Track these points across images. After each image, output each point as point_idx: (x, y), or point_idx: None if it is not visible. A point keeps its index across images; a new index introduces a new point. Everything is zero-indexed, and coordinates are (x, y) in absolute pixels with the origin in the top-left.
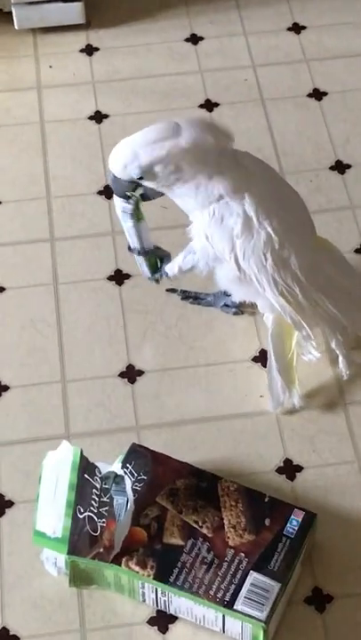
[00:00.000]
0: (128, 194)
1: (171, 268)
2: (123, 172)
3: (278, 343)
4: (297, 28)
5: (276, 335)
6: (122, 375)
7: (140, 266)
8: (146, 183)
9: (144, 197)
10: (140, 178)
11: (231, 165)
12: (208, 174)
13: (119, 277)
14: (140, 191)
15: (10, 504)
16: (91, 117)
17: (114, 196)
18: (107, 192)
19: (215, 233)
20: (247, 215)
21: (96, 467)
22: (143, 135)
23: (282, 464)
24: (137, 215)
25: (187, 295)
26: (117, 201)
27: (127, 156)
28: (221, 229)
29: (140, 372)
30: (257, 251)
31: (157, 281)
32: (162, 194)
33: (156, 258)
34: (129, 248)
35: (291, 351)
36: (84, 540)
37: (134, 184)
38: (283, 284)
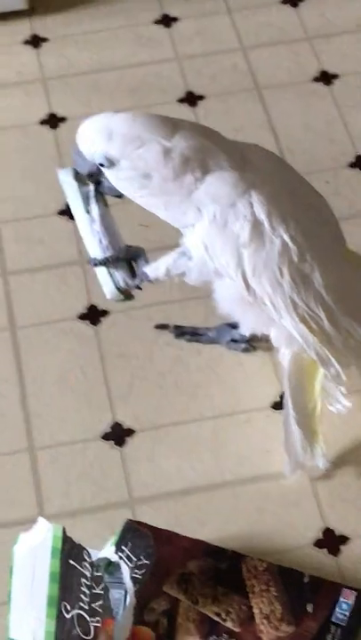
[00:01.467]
0: (88, 172)
1: (154, 270)
2: (87, 149)
3: (298, 388)
4: (293, 1)
5: (294, 377)
6: (106, 437)
7: (107, 281)
8: (106, 174)
9: (98, 187)
10: (102, 165)
11: (232, 163)
12: (185, 195)
13: (94, 315)
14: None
15: None
16: (43, 122)
17: (64, 176)
18: (69, 212)
19: (217, 242)
20: (257, 219)
21: (84, 549)
22: (130, 119)
23: (321, 535)
24: (103, 200)
25: (182, 331)
26: (74, 187)
27: (100, 133)
28: (224, 237)
29: (130, 432)
30: (270, 264)
31: (130, 296)
32: (120, 195)
33: (130, 261)
34: (94, 262)
35: (314, 398)
36: None
37: (96, 168)
38: (304, 308)
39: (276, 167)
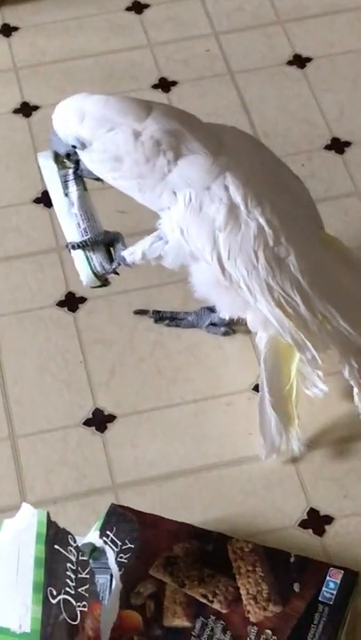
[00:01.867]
0: (65, 152)
1: (131, 254)
2: (61, 130)
3: (274, 371)
4: None
5: (270, 360)
6: (87, 423)
7: (83, 266)
8: (80, 156)
9: (77, 170)
10: (74, 146)
11: (207, 146)
12: (158, 179)
13: (72, 302)
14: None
15: None
16: (16, 111)
17: (44, 160)
18: (45, 199)
19: (192, 225)
20: (233, 202)
21: (69, 533)
22: (102, 101)
23: (306, 516)
24: (83, 184)
25: (161, 316)
26: (53, 170)
27: (73, 114)
28: (200, 220)
29: (111, 417)
30: (246, 247)
31: (106, 282)
32: (98, 178)
33: (108, 245)
34: (72, 246)
35: (290, 382)
36: (60, 633)
37: (72, 149)
38: (280, 292)
39: (252, 149)
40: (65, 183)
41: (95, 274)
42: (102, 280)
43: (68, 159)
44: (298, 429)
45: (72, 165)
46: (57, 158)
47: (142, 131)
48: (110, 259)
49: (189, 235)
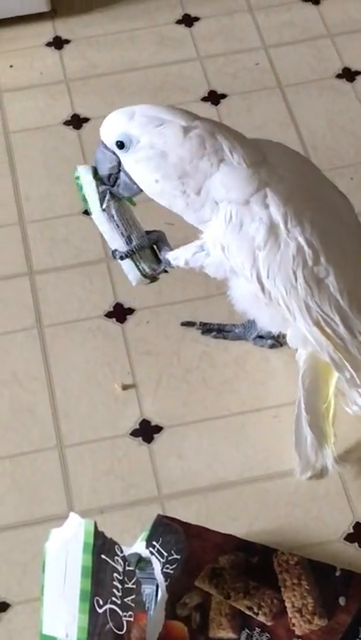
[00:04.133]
0: (111, 170)
1: (175, 259)
2: (108, 131)
3: (311, 388)
4: None
5: (308, 378)
6: (135, 433)
7: (132, 270)
8: (123, 159)
9: (115, 188)
10: (121, 146)
11: (249, 157)
12: (200, 180)
13: (120, 313)
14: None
15: (4, 607)
16: (67, 122)
17: (84, 173)
18: None
19: (233, 243)
20: (272, 221)
21: (116, 543)
22: (152, 105)
23: (351, 530)
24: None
25: (208, 328)
26: (91, 185)
27: (122, 114)
28: (240, 239)
29: (158, 428)
30: (285, 267)
31: (154, 278)
32: (138, 190)
33: (152, 247)
34: (120, 256)
35: (327, 400)
36: None
37: (116, 161)
38: (318, 311)
39: (297, 166)
40: (102, 198)
41: (144, 275)
42: (151, 278)
43: (107, 180)
44: (333, 448)
45: (110, 184)
46: (95, 174)
47: (190, 128)
48: (157, 259)
49: (230, 252)
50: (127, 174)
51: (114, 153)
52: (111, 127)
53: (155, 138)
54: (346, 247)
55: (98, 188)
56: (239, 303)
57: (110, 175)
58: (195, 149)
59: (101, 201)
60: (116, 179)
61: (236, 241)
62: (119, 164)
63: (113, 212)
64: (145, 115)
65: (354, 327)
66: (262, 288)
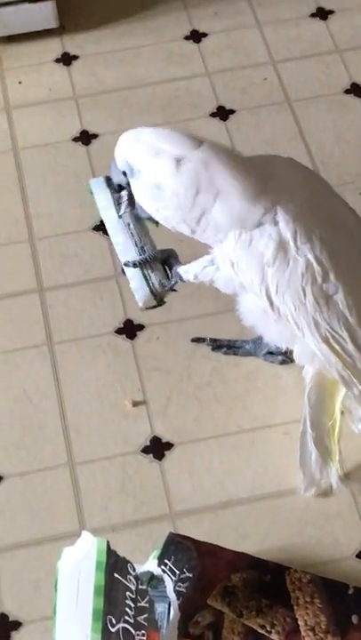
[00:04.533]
0: (120, 182)
1: (186, 272)
2: (117, 155)
3: (317, 405)
4: (322, 14)
5: (314, 395)
6: (145, 450)
7: (141, 286)
8: (131, 184)
9: (132, 203)
10: (124, 173)
11: (251, 184)
12: (201, 208)
13: (130, 329)
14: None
15: (16, 625)
16: (76, 139)
17: (96, 185)
18: (104, 227)
19: (242, 259)
20: (282, 238)
21: (128, 562)
22: (155, 131)
23: None
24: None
25: (219, 344)
26: (106, 194)
27: (129, 140)
28: (249, 255)
29: (169, 445)
30: (294, 283)
31: (162, 301)
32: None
33: (164, 262)
34: (133, 264)
35: (333, 417)
36: None
37: (126, 181)
38: (327, 328)
39: (306, 182)
40: (119, 205)
41: (153, 292)
42: (158, 300)
43: (122, 190)
44: (338, 465)
45: (126, 194)
46: (109, 183)
47: (183, 160)
48: (167, 276)
49: (239, 267)
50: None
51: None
52: (119, 151)
53: (150, 169)
54: (355, 264)
55: (113, 196)
56: (248, 318)
57: (122, 187)
58: (188, 183)
59: (117, 208)
60: (132, 196)
61: (245, 257)
62: (129, 183)
63: (129, 220)
64: (146, 142)
65: None
66: (271, 304)
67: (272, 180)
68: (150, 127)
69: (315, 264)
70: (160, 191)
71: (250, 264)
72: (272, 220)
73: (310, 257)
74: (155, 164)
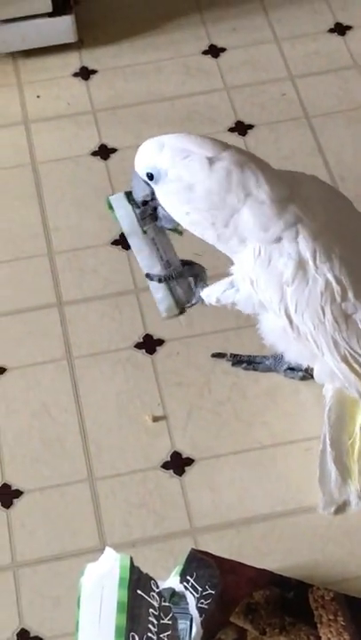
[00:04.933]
0: (143, 197)
1: (208, 296)
2: (139, 161)
3: (337, 424)
4: (341, 29)
5: (334, 413)
6: (166, 466)
7: (165, 297)
8: (155, 189)
9: (154, 217)
10: (150, 177)
11: (277, 192)
12: (228, 215)
13: (150, 344)
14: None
15: None
16: (94, 153)
17: (116, 201)
18: (124, 241)
19: (261, 278)
20: (301, 257)
21: (151, 578)
22: (181, 135)
23: None
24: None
25: (239, 359)
26: (128, 209)
27: (153, 146)
28: (268, 274)
29: (190, 461)
30: (313, 303)
31: (183, 310)
32: (174, 222)
33: (189, 279)
34: (159, 279)
35: (353, 435)
36: None
37: (149, 190)
38: (346, 347)
39: (330, 200)
40: (143, 220)
41: (176, 303)
42: (180, 309)
43: (145, 205)
44: (358, 484)
45: (150, 207)
46: (130, 198)
47: (216, 160)
48: (191, 289)
49: (258, 286)
50: (161, 206)
51: (147, 183)
52: (142, 158)
53: (181, 170)
54: None
55: (135, 211)
56: (268, 337)
57: (145, 202)
58: (221, 182)
59: (141, 223)
60: (155, 209)
61: (264, 275)
62: (152, 193)
63: (153, 234)
64: (173, 146)
65: None
66: (290, 323)
67: (296, 196)
68: (172, 134)
69: (334, 283)
70: (191, 192)
71: (269, 282)
72: (292, 238)
73: (330, 276)
74: (185, 164)
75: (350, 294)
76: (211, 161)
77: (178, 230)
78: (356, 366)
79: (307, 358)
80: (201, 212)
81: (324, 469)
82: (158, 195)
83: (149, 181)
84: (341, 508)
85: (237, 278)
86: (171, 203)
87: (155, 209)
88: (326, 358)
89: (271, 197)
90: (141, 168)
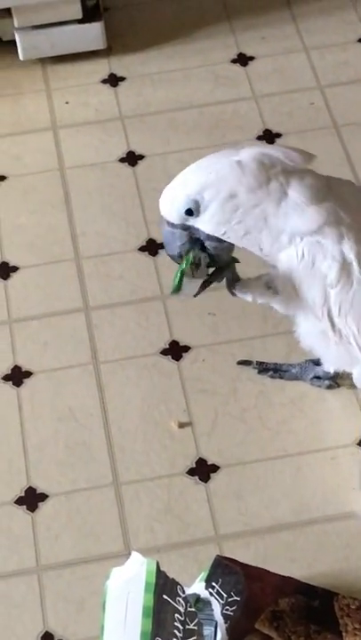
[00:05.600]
0: (182, 248)
1: (242, 293)
2: (171, 208)
3: None
4: None
5: None
6: (191, 472)
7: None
8: (199, 224)
9: (211, 258)
10: (190, 213)
11: (320, 195)
12: (276, 202)
13: (176, 350)
14: (198, 254)
15: None
16: (122, 159)
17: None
18: (150, 247)
19: (304, 280)
20: (345, 259)
21: (177, 584)
22: (198, 162)
23: None
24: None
25: (265, 367)
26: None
27: (177, 185)
28: (312, 276)
29: (215, 468)
30: (357, 305)
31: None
32: (229, 247)
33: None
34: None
35: None
36: None
37: (188, 232)
38: None
39: None
40: (199, 270)
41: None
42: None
43: (193, 252)
44: None
45: (198, 254)
46: (179, 258)
47: (240, 158)
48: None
49: (300, 289)
50: (210, 236)
51: (183, 227)
52: (173, 202)
53: (217, 184)
54: None
55: (188, 272)
56: (306, 340)
57: (180, 253)
58: (257, 173)
59: (200, 274)
60: (203, 248)
61: (307, 277)
62: (190, 238)
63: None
64: (195, 174)
65: None
66: (333, 326)
67: (335, 194)
68: (189, 167)
69: None
70: (235, 198)
71: (312, 285)
72: (335, 240)
73: None
74: (217, 178)
75: None
76: (238, 161)
77: (235, 259)
78: None
79: (346, 362)
80: (252, 212)
81: None
82: (203, 225)
83: (191, 218)
84: None
85: (278, 280)
86: (219, 221)
87: (203, 248)
88: None
89: (314, 177)
90: (177, 211)
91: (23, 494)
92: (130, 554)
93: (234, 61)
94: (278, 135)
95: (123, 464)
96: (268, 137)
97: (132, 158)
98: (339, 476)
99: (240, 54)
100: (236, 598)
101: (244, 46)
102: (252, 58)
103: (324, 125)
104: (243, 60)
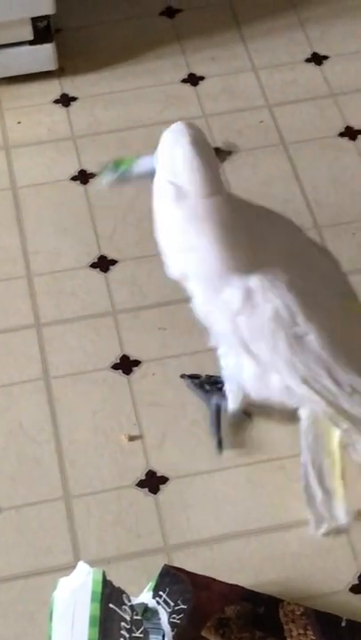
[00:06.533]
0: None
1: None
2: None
3: (314, 444)
4: (317, 59)
5: (311, 434)
6: (141, 484)
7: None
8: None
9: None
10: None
11: (219, 217)
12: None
13: (127, 365)
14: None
15: None
16: (74, 178)
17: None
18: (101, 264)
19: (212, 311)
20: (248, 287)
21: (123, 592)
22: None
23: (357, 581)
24: None
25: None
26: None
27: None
28: (218, 305)
29: (164, 479)
30: (264, 330)
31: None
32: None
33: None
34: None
35: (332, 453)
36: None
37: None
38: (303, 369)
39: (284, 230)
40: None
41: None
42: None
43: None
44: (343, 501)
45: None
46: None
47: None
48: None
49: (210, 320)
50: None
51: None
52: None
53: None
54: (328, 303)
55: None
56: (251, 385)
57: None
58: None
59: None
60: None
61: (215, 309)
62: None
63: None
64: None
65: (340, 380)
66: (248, 353)
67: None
68: None
69: (280, 310)
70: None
71: (220, 314)
72: (235, 270)
73: (278, 303)
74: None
75: (299, 318)
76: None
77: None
78: (316, 386)
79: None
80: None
81: (309, 491)
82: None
83: None
84: (332, 526)
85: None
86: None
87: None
88: (288, 382)
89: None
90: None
91: None
92: (78, 563)
93: (184, 81)
94: (228, 152)
95: (73, 477)
96: (218, 155)
97: (83, 177)
98: (286, 485)
99: (190, 74)
100: (182, 606)
101: (194, 66)
102: (202, 78)
103: (273, 143)
104: (193, 79)
